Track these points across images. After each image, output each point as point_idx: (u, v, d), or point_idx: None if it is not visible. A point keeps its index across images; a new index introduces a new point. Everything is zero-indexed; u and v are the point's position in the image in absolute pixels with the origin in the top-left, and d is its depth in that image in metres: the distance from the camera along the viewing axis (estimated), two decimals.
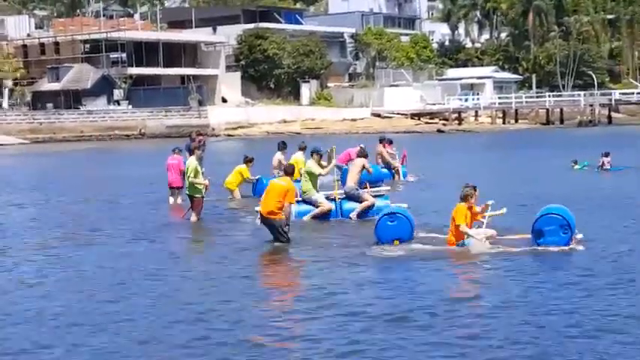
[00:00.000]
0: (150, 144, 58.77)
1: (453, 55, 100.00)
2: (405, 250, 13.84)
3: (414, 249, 13.96)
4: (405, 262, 13.16)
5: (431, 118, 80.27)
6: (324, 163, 18.73)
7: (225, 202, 21.70)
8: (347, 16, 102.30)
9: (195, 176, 17.67)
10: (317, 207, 17.91)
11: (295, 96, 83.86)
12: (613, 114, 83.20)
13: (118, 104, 72.32)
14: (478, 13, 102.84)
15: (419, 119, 79.74)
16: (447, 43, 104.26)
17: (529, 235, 13.96)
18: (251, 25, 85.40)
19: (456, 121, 78.70)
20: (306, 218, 17.84)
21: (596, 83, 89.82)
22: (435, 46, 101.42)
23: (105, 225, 18.01)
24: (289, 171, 15.54)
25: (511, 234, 14.60)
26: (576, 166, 29.30)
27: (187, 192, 18.14)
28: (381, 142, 27.29)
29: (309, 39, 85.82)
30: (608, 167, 28.38)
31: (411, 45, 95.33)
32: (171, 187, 21.51)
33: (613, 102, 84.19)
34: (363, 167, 18.69)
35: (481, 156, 42.43)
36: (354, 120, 77.58)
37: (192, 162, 17.95)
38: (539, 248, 13.51)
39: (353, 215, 17.83)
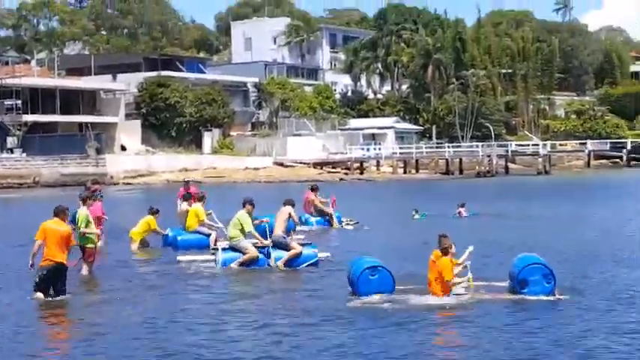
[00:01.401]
0: (44, 193, 57.18)
1: (355, 105, 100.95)
2: (389, 304, 13.59)
3: (398, 302, 13.70)
4: (390, 317, 12.84)
5: (333, 168, 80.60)
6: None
7: (125, 253, 21.40)
8: (250, 65, 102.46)
9: (87, 226, 17.14)
10: (244, 254, 17.77)
11: (197, 144, 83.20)
12: (510, 165, 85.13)
13: (12, 152, 70.43)
14: (379, 65, 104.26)
15: (321, 168, 79.96)
16: (349, 93, 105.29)
17: (503, 283, 14.23)
18: (153, 73, 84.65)
19: (358, 171, 79.20)
20: (233, 265, 17.66)
21: (493, 135, 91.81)
22: (337, 96, 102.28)
23: None
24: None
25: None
26: (416, 216, 30.11)
27: (79, 242, 17.49)
28: (313, 191, 27.54)
29: (211, 88, 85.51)
30: (466, 215, 29.96)
31: (314, 95, 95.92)
32: None
33: (510, 153, 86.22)
34: (290, 215, 18.74)
35: (395, 203, 42.59)
36: (256, 169, 77.33)
37: (83, 212, 17.36)
38: (529, 298, 13.61)
39: (280, 263, 17.79)
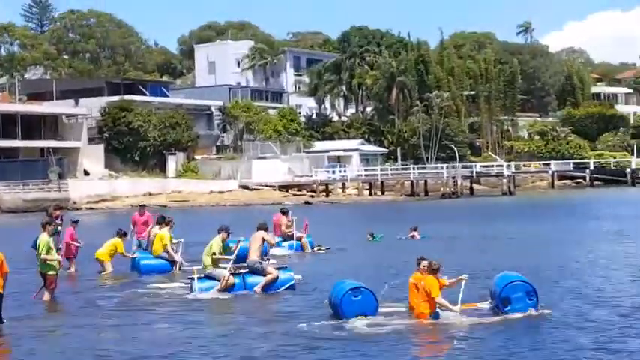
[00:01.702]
0: (5, 219, 56.37)
1: (320, 128, 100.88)
2: (373, 326, 13.51)
3: (383, 324, 13.62)
4: (376, 339, 12.76)
5: (299, 190, 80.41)
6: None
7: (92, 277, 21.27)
8: (214, 89, 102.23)
9: (48, 252, 16.88)
10: (219, 281, 17.72)
11: (161, 168, 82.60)
12: (475, 186, 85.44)
13: None
14: (344, 87, 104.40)
15: (287, 191, 79.71)
16: (313, 116, 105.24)
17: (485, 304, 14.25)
18: (115, 97, 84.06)
19: (324, 193, 79.03)
20: (211, 293, 17.49)
21: (457, 156, 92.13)
22: (302, 119, 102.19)
23: None
24: None
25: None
26: (371, 238, 30.52)
27: (40, 269, 17.22)
28: (283, 214, 27.56)
29: (175, 111, 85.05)
30: (418, 237, 30.59)
31: (279, 118, 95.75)
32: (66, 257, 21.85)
33: (474, 174, 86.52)
34: (263, 240, 18.66)
35: (360, 226, 42.37)
36: (221, 192, 76.89)
37: (44, 238, 17.11)
38: (514, 316, 13.65)
39: (258, 288, 17.75)
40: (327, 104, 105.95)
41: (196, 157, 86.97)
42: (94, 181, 75.15)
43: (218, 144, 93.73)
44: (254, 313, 15.54)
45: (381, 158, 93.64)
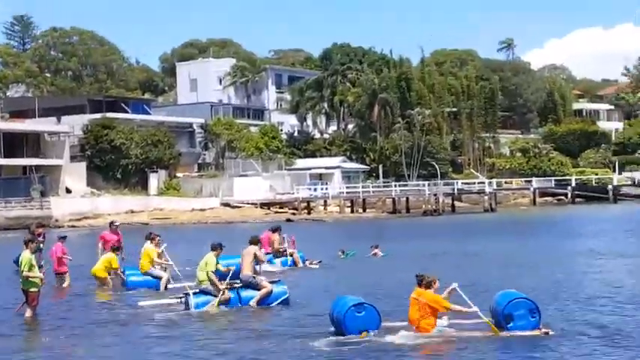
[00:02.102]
0: None
1: (301, 145, 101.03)
2: (378, 342, 13.67)
3: (385, 340, 13.78)
4: (380, 355, 12.93)
5: (280, 208, 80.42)
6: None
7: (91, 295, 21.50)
8: (196, 106, 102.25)
9: (30, 270, 16.96)
10: (216, 296, 17.84)
11: (143, 186, 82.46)
12: (456, 203, 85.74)
13: None
14: (325, 104, 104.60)
15: (268, 209, 79.71)
16: (295, 133, 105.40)
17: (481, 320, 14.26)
18: (97, 115, 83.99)
19: (305, 211, 79.07)
20: (207, 308, 17.63)
21: (439, 173, 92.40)
22: (284, 136, 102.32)
23: None
24: None
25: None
26: (342, 256, 30.84)
27: (22, 286, 17.31)
28: (274, 231, 27.74)
29: (157, 129, 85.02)
30: (381, 254, 30.90)
31: (260, 135, 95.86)
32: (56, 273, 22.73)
33: (456, 191, 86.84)
34: (255, 255, 18.83)
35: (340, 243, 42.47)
36: (203, 210, 76.86)
37: (26, 255, 17.21)
38: (517, 334, 13.76)
39: (253, 303, 17.93)
40: (309, 121, 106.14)
41: (178, 174, 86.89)
42: (76, 199, 74.97)
43: (200, 161, 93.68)
44: (256, 329, 15.66)
45: (363, 175, 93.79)
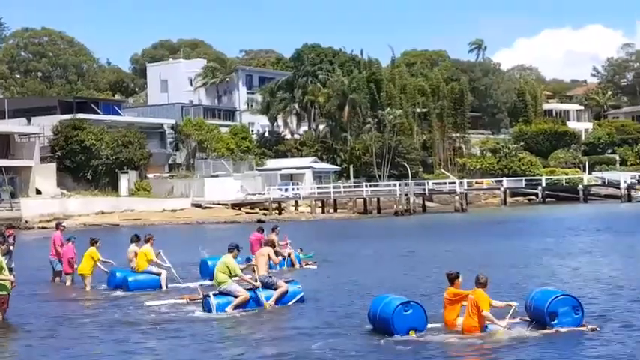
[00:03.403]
0: None
1: (272, 146, 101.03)
2: (425, 341, 13.88)
3: (435, 340, 13.97)
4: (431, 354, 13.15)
5: (251, 208, 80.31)
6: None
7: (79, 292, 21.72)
8: (167, 107, 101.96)
9: (0, 272, 16.71)
10: (236, 297, 17.98)
11: (114, 187, 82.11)
12: (427, 203, 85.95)
13: None
14: (296, 105, 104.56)
15: (239, 209, 79.59)
16: (266, 134, 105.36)
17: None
18: (68, 116, 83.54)
19: (276, 211, 79.06)
20: (229, 310, 17.74)
21: (410, 174, 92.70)
22: (254, 137, 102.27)
23: None
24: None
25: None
26: (301, 255, 29.59)
27: None
28: (273, 230, 27.86)
29: (127, 130, 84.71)
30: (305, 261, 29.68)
31: (231, 136, 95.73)
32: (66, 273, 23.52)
33: (427, 192, 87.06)
34: (269, 256, 19.16)
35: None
36: (174, 211, 76.61)
37: None
38: (562, 330, 14.11)
39: (271, 302, 18.20)
40: (280, 122, 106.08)
41: (149, 175, 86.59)
42: (47, 200, 74.47)
43: (171, 162, 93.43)
44: (288, 328, 15.96)
45: (334, 176, 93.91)
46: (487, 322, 14.21)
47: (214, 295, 18.11)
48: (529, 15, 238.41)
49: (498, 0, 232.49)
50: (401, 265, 27.77)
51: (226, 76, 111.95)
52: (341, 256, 31.43)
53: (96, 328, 16.48)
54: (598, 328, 14.38)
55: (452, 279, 14.75)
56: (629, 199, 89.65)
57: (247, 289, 18.26)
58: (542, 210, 79.14)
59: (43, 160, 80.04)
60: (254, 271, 18.73)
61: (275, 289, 18.49)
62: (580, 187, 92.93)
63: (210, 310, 17.80)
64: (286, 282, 19.06)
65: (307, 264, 27.81)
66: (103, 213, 73.13)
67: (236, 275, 18.27)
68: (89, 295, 21.82)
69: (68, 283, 23.41)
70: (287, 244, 28.50)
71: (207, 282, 23.11)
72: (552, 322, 14.18)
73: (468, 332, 14.16)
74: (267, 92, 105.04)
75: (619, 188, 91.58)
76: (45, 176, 78.19)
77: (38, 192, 77.26)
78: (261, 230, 27.99)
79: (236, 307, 17.90)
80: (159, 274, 22.45)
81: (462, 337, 14.08)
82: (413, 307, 14.37)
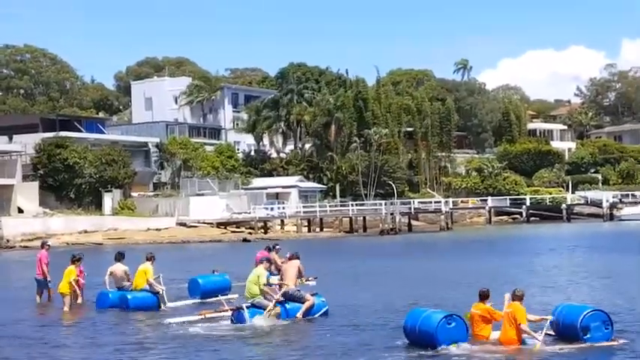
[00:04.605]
0: None
1: (258, 164, 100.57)
2: (469, 353, 14.25)
3: (477, 351, 14.38)
4: None
5: (237, 227, 79.78)
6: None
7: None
8: (152, 125, 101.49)
9: None
10: (268, 311, 18.45)
11: (97, 206, 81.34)
12: (413, 222, 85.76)
13: None
14: (282, 124, 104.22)
15: (225, 228, 79.04)
16: (252, 153, 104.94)
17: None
18: (50, 134, 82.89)
19: (262, 230, 78.56)
20: (260, 322, 18.17)
21: (396, 192, 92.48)
22: (240, 155, 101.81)
23: None
24: None
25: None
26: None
27: None
28: (274, 249, 27.57)
29: (111, 148, 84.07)
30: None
31: (217, 154, 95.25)
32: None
33: (412, 210, 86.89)
34: (299, 269, 19.73)
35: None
36: (158, 230, 75.89)
37: None
38: (600, 345, 14.55)
39: (299, 315, 18.67)
40: (266, 141, 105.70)
41: (133, 194, 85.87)
42: (28, 219, 73.64)
43: (155, 181, 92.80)
44: (323, 344, 16.15)
45: (320, 195, 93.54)
46: (524, 336, 14.67)
47: (247, 308, 18.48)
48: (513, 36, 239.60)
49: (483, 21, 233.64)
50: (397, 282, 27.77)
51: (212, 95, 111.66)
52: (336, 274, 31.20)
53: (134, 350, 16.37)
54: (623, 341, 14.88)
55: (484, 296, 15.22)
56: (612, 217, 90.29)
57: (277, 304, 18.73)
58: (526, 229, 79.34)
59: (25, 178, 79.27)
60: (280, 287, 19.09)
61: (303, 302, 18.95)
62: (563, 206, 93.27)
63: (242, 322, 18.23)
64: (312, 295, 19.49)
65: (308, 279, 27.46)
66: (86, 232, 72.37)
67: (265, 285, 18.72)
68: (80, 314, 21.41)
69: (79, 300, 22.93)
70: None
71: (197, 300, 23.00)
72: (585, 337, 14.61)
73: (506, 345, 14.65)
74: (252, 111, 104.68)
75: (602, 207, 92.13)
76: (27, 195, 77.38)
77: (20, 210, 76.44)
78: (268, 249, 27.74)
79: (266, 319, 18.35)
80: (157, 293, 22.11)
81: (503, 349, 14.54)
82: (455, 321, 14.76)
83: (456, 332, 14.61)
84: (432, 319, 14.78)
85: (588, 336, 14.60)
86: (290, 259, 19.94)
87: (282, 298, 18.72)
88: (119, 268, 22.68)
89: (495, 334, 15.02)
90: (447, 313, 14.98)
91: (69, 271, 22.50)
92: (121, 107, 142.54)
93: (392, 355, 14.59)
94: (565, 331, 14.87)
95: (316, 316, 18.95)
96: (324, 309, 19.30)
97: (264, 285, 18.60)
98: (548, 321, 15.08)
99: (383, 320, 18.69)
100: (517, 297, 14.85)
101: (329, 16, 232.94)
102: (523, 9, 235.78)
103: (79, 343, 17.22)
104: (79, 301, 22.81)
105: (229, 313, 18.93)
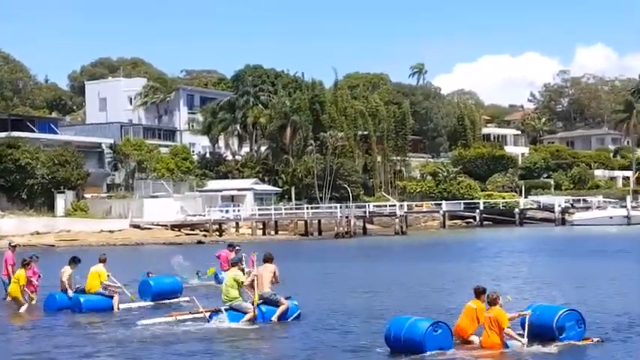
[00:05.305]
0: None
1: (213, 167, 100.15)
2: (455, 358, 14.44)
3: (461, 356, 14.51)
4: None
5: (191, 230, 79.41)
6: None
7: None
8: (105, 126, 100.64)
9: None
10: (245, 313, 18.75)
11: (50, 207, 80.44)
12: (368, 225, 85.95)
13: None
14: (238, 126, 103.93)
15: (179, 230, 78.64)
16: (207, 155, 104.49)
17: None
18: (2, 134, 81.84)
19: (217, 233, 78.27)
20: (240, 324, 18.43)
21: (351, 196, 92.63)
22: (195, 157, 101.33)
23: None
24: None
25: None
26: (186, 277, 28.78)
27: None
28: (233, 249, 27.74)
29: (64, 149, 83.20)
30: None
31: (171, 156, 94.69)
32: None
33: (367, 214, 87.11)
34: (274, 273, 19.59)
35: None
36: (111, 231, 75.29)
37: None
38: (579, 343, 15.09)
39: (274, 318, 19.05)
40: (221, 143, 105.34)
41: (86, 195, 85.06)
42: None
43: (109, 182, 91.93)
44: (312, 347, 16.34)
45: (275, 197, 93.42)
46: (506, 338, 14.89)
47: (227, 310, 18.72)
48: (469, 41, 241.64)
49: (439, 25, 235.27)
50: (359, 285, 27.82)
51: (167, 96, 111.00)
52: (295, 277, 31.11)
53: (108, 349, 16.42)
54: (601, 341, 15.53)
55: (480, 293, 15.36)
56: (563, 222, 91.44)
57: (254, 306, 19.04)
58: (479, 233, 79.97)
59: None
60: (253, 287, 19.17)
61: (278, 306, 19.17)
62: (516, 210, 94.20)
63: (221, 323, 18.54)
64: (286, 298, 19.64)
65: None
66: (38, 233, 71.56)
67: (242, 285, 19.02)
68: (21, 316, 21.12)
69: (33, 302, 22.74)
70: (253, 262, 27.95)
71: (149, 303, 22.89)
72: (561, 336, 15.06)
73: (490, 349, 14.79)
74: (208, 112, 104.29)
75: (554, 212, 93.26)
76: None
77: None
78: (231, 247, 27.70)
79: (245, 323, 18.60)
80: (111, 297, 22.00)
81: (489, 352, 14.69)
82: (442, 328, 14.84)
83: (443, 339, 14.69)
84: (418, 327, 14.74)
85: (564, 335, 15.06)
86: (265, 261, 19.82)
87: (260, 300, 18.99)
88: (67, 271, 22.48)
89: (476, 339, 15.18)
90: (433, 320, 15.06)
91: (18, 275, 22.24)
92: (74, 107, 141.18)
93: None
94: (540, 331, 15.15)
95: (290, 319, 19.24)
96: (297, 312, 19.56)
97: (245, 285, 18.95)
98: (527, 315, 15.31)
99: (358, 323, 19.10)
100: (492, 300, 15.00)
101: (285, 18, 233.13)
102: (479, 14, 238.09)
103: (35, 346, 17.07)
104: (33, 302, 22.61)
105: (204, 315, 19.02)
